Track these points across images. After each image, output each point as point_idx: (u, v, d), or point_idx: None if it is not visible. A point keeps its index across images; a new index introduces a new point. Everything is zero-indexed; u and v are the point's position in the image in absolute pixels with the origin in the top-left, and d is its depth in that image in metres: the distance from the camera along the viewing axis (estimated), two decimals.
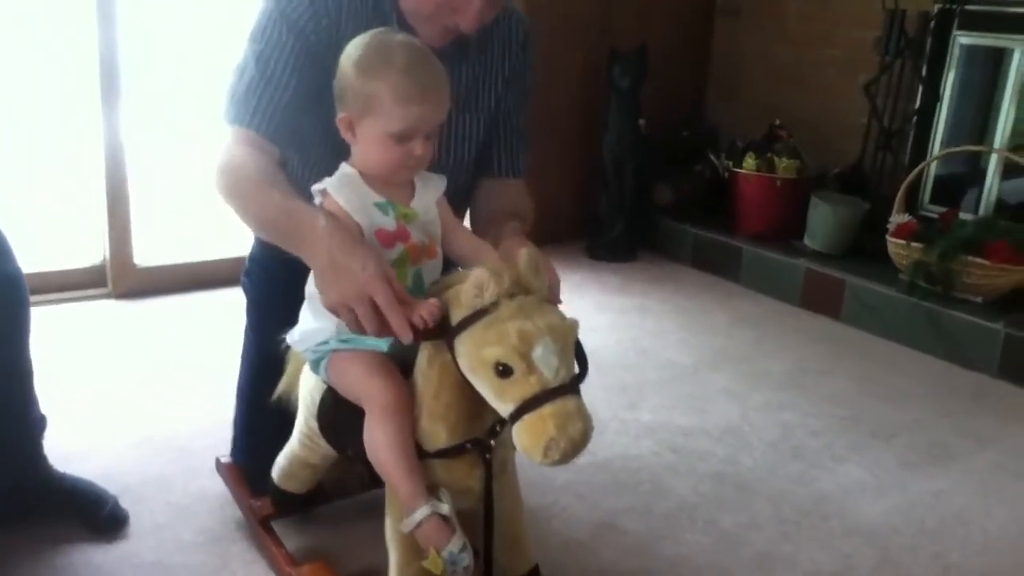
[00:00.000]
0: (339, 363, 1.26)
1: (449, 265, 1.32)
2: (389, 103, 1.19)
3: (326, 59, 1.31)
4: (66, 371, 2.19)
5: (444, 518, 1.16)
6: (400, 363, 1.23)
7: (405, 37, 1.26)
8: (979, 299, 2.68)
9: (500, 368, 1.02)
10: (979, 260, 2.64)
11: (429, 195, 1.29)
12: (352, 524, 1.65)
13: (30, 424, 1.55)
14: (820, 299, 3.04)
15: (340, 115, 1.24)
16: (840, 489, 1.92)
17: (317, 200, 1.24)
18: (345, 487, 1.63)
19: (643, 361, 2.54)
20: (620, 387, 2.31)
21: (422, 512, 1.15)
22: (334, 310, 1.15)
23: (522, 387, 1.01)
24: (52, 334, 2.34)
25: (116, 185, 2.71)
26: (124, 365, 2.31)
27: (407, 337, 1.09)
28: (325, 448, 1.39)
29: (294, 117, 1.39)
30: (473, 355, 1.05)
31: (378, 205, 1.23)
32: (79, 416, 1.98)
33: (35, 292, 1.53)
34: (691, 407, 2.26)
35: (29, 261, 1.50)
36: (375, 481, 1.27)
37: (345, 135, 1.26)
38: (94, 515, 1.60)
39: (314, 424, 1.36)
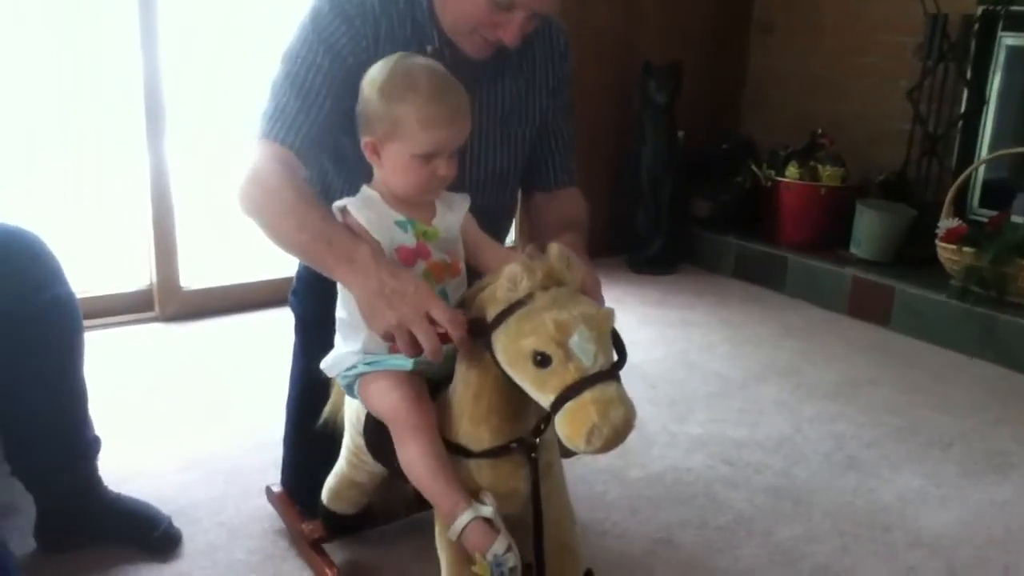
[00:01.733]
0: (367, 385, 1.27)
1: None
2: (415, 127, 1.20)
3: (358, 84, 1.31)
4: (116, 394, 2.21)
5: (488, 521, 1.15)
6: (432, 377, 1.24)
7: (427, 61, 1.27)
8: None
9: (538, 358, 1.02)
10: None
11: (452, 216, 1.29)
12: (402, 542, 1.64)
13: (85, 446, 1.56)
14: (868, 307, 2.99)
15: (365, 139, 1.26)
16: (899, 500, 1.87)
17: (338, 217, 1.25)
18: (394, 510, 1.63)
19: (691, 374, 2.50)
20: (668, 401, 2.28)
21: (464, 518, 1.15)
22: (390, 335, 1.15)
23: (561, 376, 1.01)
24: (101, 358, 2.36)
25: (162, 209, 2.74)
26: (174, 387, 2.32)
27: (465, 337, 1.11)
28: (372, 465, 1.39)
29: (328, 136, 1.39)
30: (511, 348, 1.05)
31: (398, 223, 1.24)
32: (131, 438, 2.00)
33: (84, 317, 1.54)
34: (742, 420, 2.23)
35: (77, 286, 1.51)
36: (422, 502, 1.26)
37: (371, 159, 1.27)
38: (148, 535, 1.60)
39: (360, 441, 1.36)
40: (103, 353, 2.46)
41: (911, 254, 3.05)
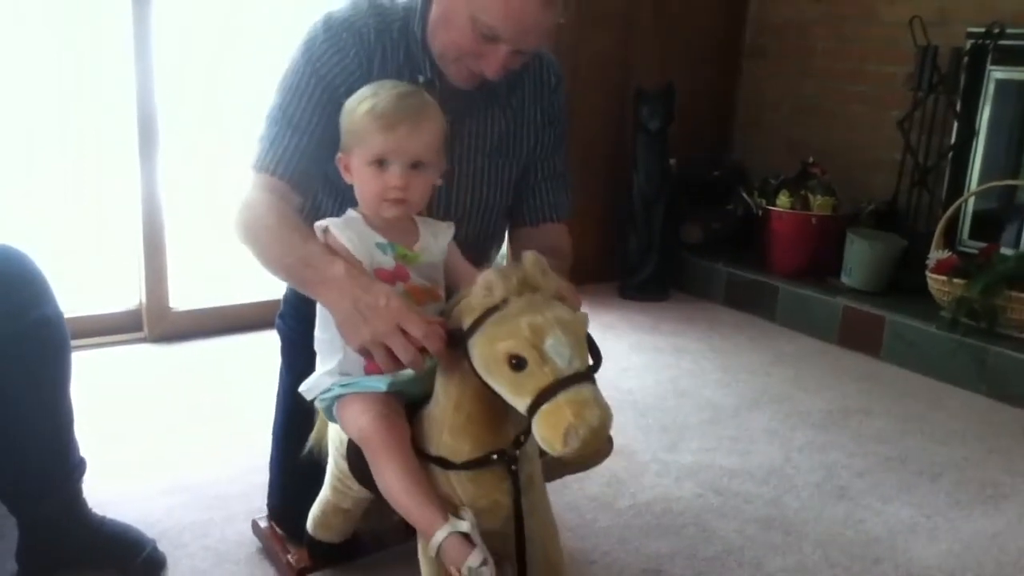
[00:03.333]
0: (342, 409, 1.27)
1: None
2: (367, 128, 1.23)
3: None
4: (103, 415, 2.19)
5: (465, 535, 1.15)
6: (412, 397, 1.24)
7: (401, 84, 1.30)
8: (1023, 335, 2.63)
9: (514, 361, 1.03)
10: (1022, 295, 2.60)
11: (435, 242, 1.30)
12: (390, 572, 1.62)
13: (70, 467, 1.54)
14: (859, 337, 3.00)
15: (338, 156, 1.29)
16: (890, 531, 1.86)
17: (320, 236, 1.27)
18: (381, 538, 1.61)
19: (681, 402, 2.50)
20: (660, 428, 2.27)
21: (441, 533, 1.15)
22: (366, 351, 1.17)
23: (537, 378, 1.02)
24: (89, 378, 2.34)
25: (152, 230, 2.73)
26: (161, 409, 2.30)
27: (442, 348, 1.12)
28: (357, 491, 1.38)
29: (320, 165, 1.41)
30: (487, 352, 1.06)
31: (379, 245, 1.25)
32: (117, 460, 1.97)
33: (72, 336, 1.52)
34: (733, 448, 2.22)
35: (65, 306, 1.50)
36: (410, 530, 1.25)
37: (345, 176, 1.29)
38: (132, 559, 1.58)
39: (343, 465, 1.35)
40: (90, 374, 2.44)
41: (902, 284, 3.06)
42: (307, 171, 1.40)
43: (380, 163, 1.23)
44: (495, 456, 1.17)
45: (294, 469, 1.63)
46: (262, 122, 1.44)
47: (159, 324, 2.79)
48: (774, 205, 3.31)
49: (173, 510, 1.81)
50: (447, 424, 1.17)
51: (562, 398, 1.00)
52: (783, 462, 2.16)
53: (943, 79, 3.08)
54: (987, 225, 3.04)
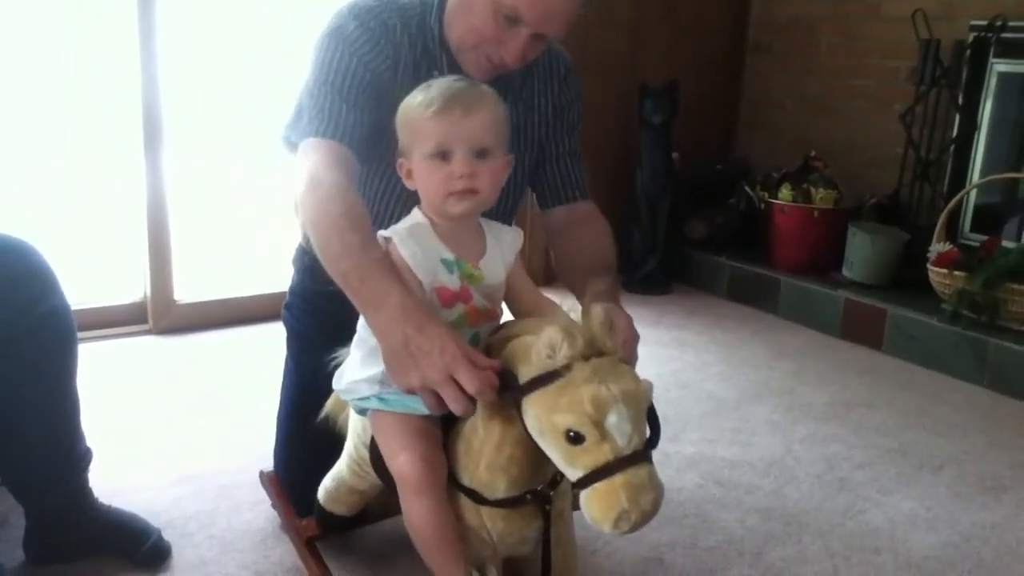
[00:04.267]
0: (378, 424, 1.24)
1: None
2: (421, 119, 1.16)
3: (384, 99, 1.31)
4: (109, 407, 2.21)
5: None
6: (445, 417, 1.19)
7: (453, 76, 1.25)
8: None
9: (571, 435, 0.97)
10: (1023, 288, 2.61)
11: (500, 256, 1.23)
12: (396, 546, 1.63)
13: (76, 458, 1.56)
14: (861, 330, 3.01)
15: (399, 162, 1.22)
16: (890, 522, 1.87)
17: (382, 243, 1.18)
18: (390, 508, 1.61)
19: (684, 394, 2.51)
20: (662, 420, 2.26)
21: None
22: (413, 392, 1.10)
23: (594, 455, 0.96)
24: (94, 370, 2.36)
25: (157, 222, 2.75)
26: (166, 401, 2.32)
27: (494, 400, 1.06)
28: (374, 478, 1.38)
29: (367, 134, 1.36)
30: (543, 419, 1.00)
31: (444, 262, 1.18)
32: (123, 451, 1.99)
33: (77, 329, 1.54)
34: (735, 440, 2.23)
35: (71, 298, 1.51)
36: None
37: (407, 182, 1.22)
38: (138, 548, 1.59)
39: (364, 453, 1.34)
40: (96, 365, 2.46)
41: (904, 277, 3.07)
42: (361, 138, 1.35)
43: (442, 155, 1.15)
44: (529, 496, 1.14)
45: (300, 460, 1.65)
46: (299, 101, 1.40)
47: (164, 316, 2.81)
48: (776, 199, 3.32)
49: (178, 500, 1.82)
50: (485, 460, 1.13)
51: (618, 480, 0.95)
52: (784, 454, 2.17)
53: (945, 73, 3.08)
54: (989, 218, 3.05)
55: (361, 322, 1.22)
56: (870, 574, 1.68)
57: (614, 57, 3.56)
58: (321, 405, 1.46)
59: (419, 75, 1.38)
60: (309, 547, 1.58)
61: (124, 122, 2.70)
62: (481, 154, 1.16)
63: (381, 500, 1.54)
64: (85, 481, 1.59)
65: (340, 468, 1.45)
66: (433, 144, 1.15)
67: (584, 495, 0.97)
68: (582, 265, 1.44)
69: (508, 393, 1.05)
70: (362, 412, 1.29)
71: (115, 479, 1.82)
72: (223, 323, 2.87)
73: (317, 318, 1.62)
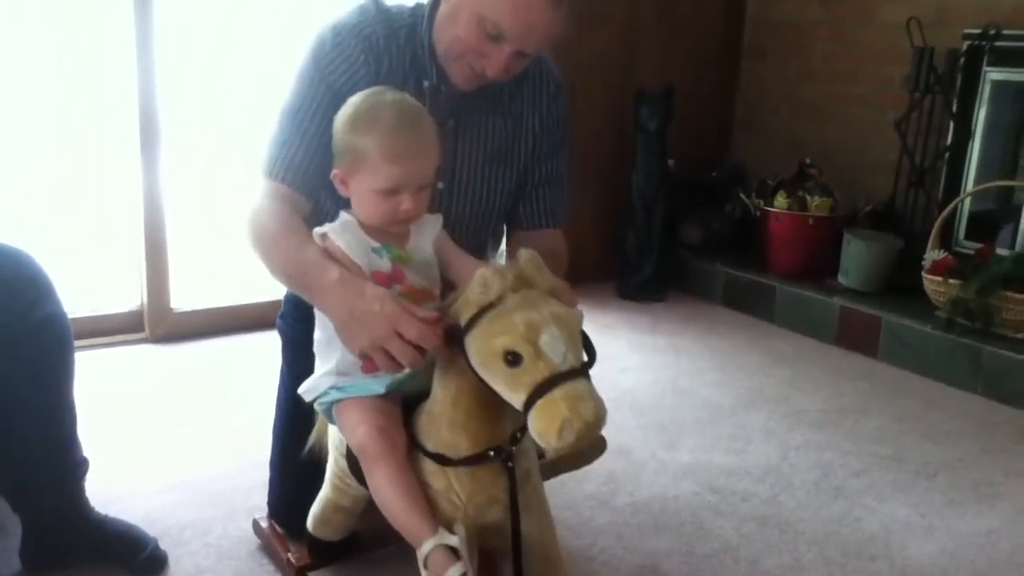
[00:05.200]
0: (340, 415, 1.29)
1: None
2: (376, 160, 1.23)
3: None
4: (105, 415, 2.20)
5: (451, 549, 1.17)
6: (407, 395, 1.26)
7: (397, 95, 1.29)
8: (1018, 335, 2.65)
9: (509, 357, 1.04)
10: (1018, 295, 2.61)
11: (424, 238, 1.31)
12: (389, 571, 1.63)
13: (72, 466, 1.56)
14: (856, 337, 3.01)
15: (334, 171, 1.29)
16: (885, 529, 1.88)
17: (319, 241, 1.27)
18: (381, 536, 1.62)
19: (680, 401, 2.51)
20: (657, 427, 2.29)
21: (428, 545, 1.17)
22: (365, 355, 1.18)
23: (532, 374, 1.03)
24: (90, 378, 2.35)
25: (154, 230, 2.75)
26: (163, 409, 2.32)
27: (439, 345, 1.14)
28: (356, 489, 1.39)
29: (328, 169, 1.39)
30: (483, 348, 1.07)
31: (374, 249, 1.26)
32: (119, 460, 1.99)
33: (74, 336, 1.54)
34: (731, 447, 2.24)
35: (67, 306, 1.51)
36: None
37: (340, 189, 1.30)
38: (134, 558, 1.59)
39: (344, 463, 1.37)
40: (93, 373, 2.46)
41: (899, 284, 3.07)
42: (316, 175, 1.41)
43: (391, 192, 1.24)
44: (492, 452, 1.19)
45: (294, 468, 1.64)
46: (272, 124, 1.45)
47: (160, 324, 2.81)
48: (772, 206, 3.33)
49: (174, 508, 1.82)
50: (445, 420, 1.19)
51: (557, 393, 1.02)
52: (780, 461, 2.17)
53: (940, 80, 3.09)
54: (983, 226, 3.06)
55: (317, 323, 1.33)
56: None
57: (608, 62, 3.57)
58: (315, 413, 1.46)
59: (408, 87, 1.40)
60: None
61: (120, 129, 2.70)
62: (423, 186, 1.27)
63: (370, 527, 1.55)
64: (82, 490, 1.59)
65: (325, 488, 1.48)
66: (385, 185, 1.24)
67: (530, 415, 1.03)
68: None
69: (455, 344, 1.13)
70: (328, 415, 1.33)
71: (111, 487, 1.82)
72: (219, 331, 2.87)
73: (310, 327, 1.62)
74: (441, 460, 1.20)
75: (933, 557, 1.78)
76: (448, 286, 1.32)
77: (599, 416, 1.03)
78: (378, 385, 1.24)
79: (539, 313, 1.05)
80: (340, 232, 1.26)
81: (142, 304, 2.81)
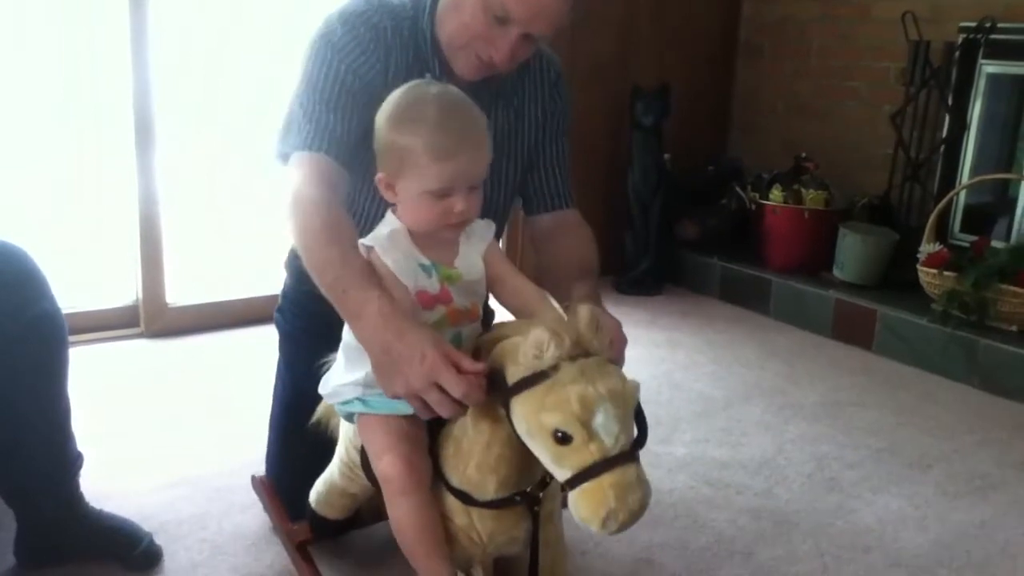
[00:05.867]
0: (363, 426, 1.25)
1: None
2: (424, 159, 1.14)
3: (374, 105, 1.30)
4: (100, 411, 2.20)
5: None
6: (434, 420, 1.19)
7: (440, 87, 1.21)
8: (1014, 328, 2.65)
9: (559, 435, 0.98)
10: (1013, 288, 2.62)
11: (473, 250, 1.24)
12: (389, 551, 1.62)
13: (67, 462, 1.56)
14: (851, 330, 3.02)
15: (379, 175, 1.21)
16: (880, 521, 1.88)
17: (363, 252, 1.20)
18: (382, 512, 1.62)
19: (676, 395, 2.52)
20: (653, 421, 2.25)
21: None
22: (399, 398, 1.11)
23: (581, 455, 0.97)
24: (85, 374, 2.36)
25: (149, 225, 2.74)
26: (158, 404, 2.32)
27: (482, 401, 1.07)
28: (364, 480, 1.38)
29: (356, 143, 1.36)
30: (531, 419, 1.01)
31: (422, 267, 1.19)
32: (114, 455, 1.99)
33: (68, 332, 1.53)
34: (726, 440, 2.24)
35: (62, 301, 1.51)
36: None
37: (386, 194, 1.22)
38: (129, 552, 1.59)
39: (355, 456, 1.35)
40: (87, 369, 2.46)
41: (894, 277, 3.08)
42: (350, 148, 1.36)
43: (442, 194, 1.16)
44: (518, 498, 1.15)
45: (292, 462, 1.65)
46: (289, 111, 1.40)
47: (156, 320, 2.81)
48: (767, 200, 3.33)
49: (170, 503, 1.82)
50: (474, 459, 1.14)
51: (606, 480, 0.96)
52: (775, 454, 2.18)
53: (935, 74, 3.10)
54: (978, 219, 3.07)
55: (347, 327, 1.23)
56: (860, 573, 1.69)
57: (605, 58, 3.56)
58: (313, 408, 1.46)
59: (411, 79, 1.38)
60: (301, 551, 1.58)
61: (116, 124, 2.70)
62: (475, 186, 1.19)
63: (373, 504, 1.54)
64: (76, 485, 1.59)
65: (331, 471, 1.46)
66: (437, 187, 1.16)
67: (572, 495, 0.98)
68: (566, 270, 1.45)
69: (496, 394, 1.06)
70: (348, 416, 1.30)
71: (106, 482, 1.82)
72: (215, 326, 2.87)
73: (309, 321, 1.63)
74: (466, 500, 1.16)
75: (927, 549, 1.78)
76: (493, 304, 1.27)
77: (644, 505, 0.98)
78: (405, 406, 1.14)
79: (595, 389, 0.97)
80: (388, 248, 1.18)
81: (137, 299, 2.81)
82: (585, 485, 0.97)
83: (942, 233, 3.00)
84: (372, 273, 1.16)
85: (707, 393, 2.55)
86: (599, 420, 0.97)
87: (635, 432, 1.03)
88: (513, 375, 1.04)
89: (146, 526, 1.66)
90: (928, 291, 2.85)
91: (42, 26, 2.65)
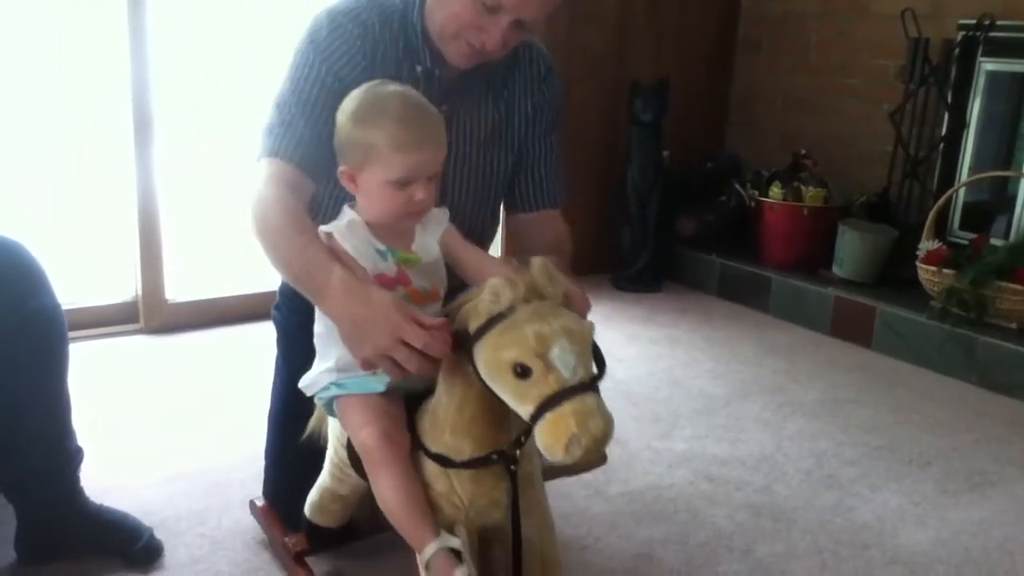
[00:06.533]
0: (343, 410, 1.28)
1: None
2: (387, 151, 1.21)
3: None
4: (100, 406, 2.21)
5: (454, 552, 1.16)
6: (413, 390, 1.25)
7: (399, 86, 1.28)
8: (1012, 325, 2.66)
9: (518, 369, 1.03)
10: (1012, 285, 2.62)
11: (429, 236, 1.30)
12: (386, 557, 1.64)
13: (67, 457, 1.56)
14: (850, 327, 3.02)
15: (341, 168, 1.27)
16: (878, 518, 1.89)
17: (324, 240, 1.25)
18: (378, 523, 1.63)
19: (675, 391, 2.52)
20: (652, 418, 2.29)
21: (430, 549, 1.17)
22: (371, 363, 1.15)
23: (541, 387, 1.02)
24: (85, 369, 2.36)
25: (148, 221, 2.74)
26: (157, 400, 2.32)
27: (447, 353, 1.11)
28: (355, 479, 1.39)
29: (327, 151, 1.38)
30: (491, 360, 1.06)
31: (379, 252, 1.25)
32: (114, 450, 1.99)
33: (68, 328, 1.54)
34: (725, 437, 2.24)
35: (61, 297, 1.51)
36: None
37: (348, 186, 1.27)
38: (129, 547, 1.60)
39: (343, 454, 1.36)
40: (87, 364, 2.46)
41: (893, 275, 3.08)
42: (319, 157, 1.38)
43: (403, 183, 1.22)
44: (495, 456, 1.17)
45: (290, 458, 1.65)
46: (269, 111, 1.42)
47: (155, 316, 2.81)
48: (766, 197, 3.33)
49: (170, 499, 1.83)
50: (449, 424, 1.18)
51: (566, 407, 1.00)
52: (774, 450, 2.18)
53: (934, 71, 3.10)
54: (977, 216, 3.07)
55: (317, 316, 1.30)
56: (859, 569, 1.70)
57: (602, 54, 3.56)
58: (310, 404, 1.46)
59: (401, 73, 1.40)
60: (299, 562, 1.58)
61: (115, 120, 2.70)
62: (433, 176, 1.25)
63: (368, 514, 1.55)
64: (76, 480, 1.59)
65: (323, 476, 1.48)
66: (398, 176, 1.22)
67: (537, 429, 1.02)
68: (533, 248, 1.45)
69: (463, 351, 1.11)
70: (329, 409, 1.32)
71: (106, 477, 1.82)
72: (214, 322, 2.87)
73: (306, 317, 1.62)
74: (444, 462, 1.19)
75: (926, 546, 1.79)
76: (458, 283, 1.30)
77: (607, 432, 1.01)
78: (379, 383, 1.22)
79: (550, 326, 1.03)
80: (346, 234, 1.25)
81: (137, 295, 2.81)
82: (547, 416, 1.01)
83: (941, 230, 3.00)
84: (333, 255, 1.22)
85: (706, 390, 2.55)
86: (555, 353, 1.02)
87: (594, 368, 1.07)
88: (474, 327, 1.10)
89: (146, 521, 1.66)
90: (927, 288, 2.85)
91: (42, 26, 2.64)
